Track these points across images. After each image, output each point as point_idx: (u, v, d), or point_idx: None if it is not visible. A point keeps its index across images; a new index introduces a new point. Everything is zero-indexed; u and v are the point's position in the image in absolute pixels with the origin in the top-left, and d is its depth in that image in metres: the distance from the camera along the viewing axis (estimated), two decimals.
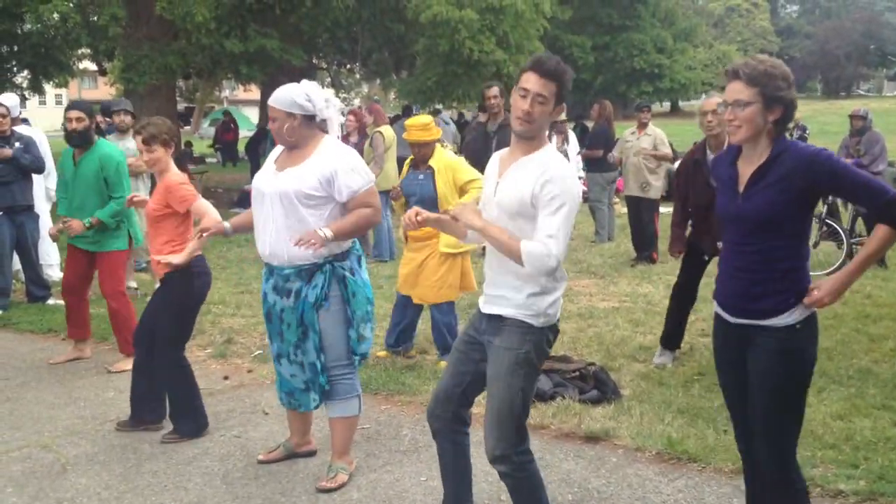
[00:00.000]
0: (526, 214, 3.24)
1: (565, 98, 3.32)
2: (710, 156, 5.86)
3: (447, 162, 6.08)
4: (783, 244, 3.05)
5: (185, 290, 4.93)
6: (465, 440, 3.70)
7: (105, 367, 6.41)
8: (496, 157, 3.54)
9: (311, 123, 4.22)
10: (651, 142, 10.40)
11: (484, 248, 3.82)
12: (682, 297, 6.32)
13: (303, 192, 4.10)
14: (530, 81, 3.23)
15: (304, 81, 4.30)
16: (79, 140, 6.27)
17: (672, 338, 6.36)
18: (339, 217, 4.18)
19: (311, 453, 4.75)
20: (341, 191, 4.12)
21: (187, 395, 5.07)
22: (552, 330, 3.41)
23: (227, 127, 31.88)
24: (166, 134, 4.97)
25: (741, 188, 3.11)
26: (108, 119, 9.54)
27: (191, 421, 5.07)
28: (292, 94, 4.15)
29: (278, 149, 4.39)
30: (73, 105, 6.37)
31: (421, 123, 6.12)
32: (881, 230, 2.99)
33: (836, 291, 3.06)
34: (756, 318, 3.12)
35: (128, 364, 6.08)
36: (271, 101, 4.20)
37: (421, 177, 6.12)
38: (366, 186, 4.17)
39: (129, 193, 6.09)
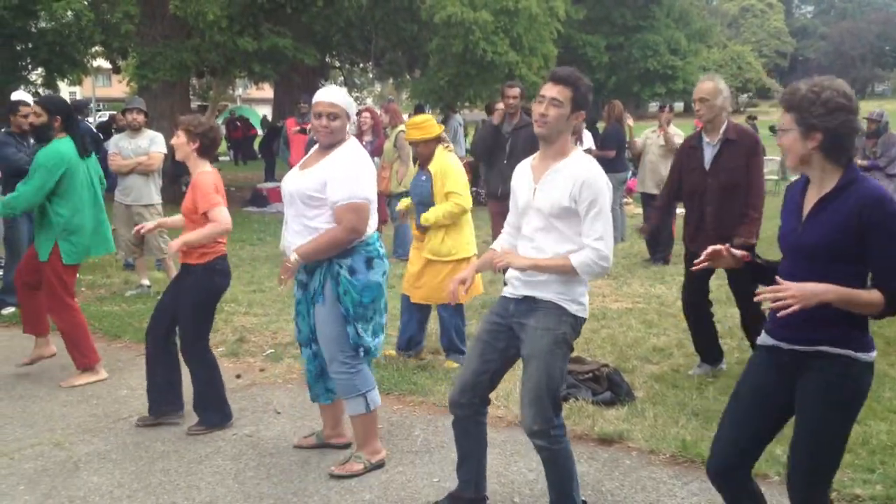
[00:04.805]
0: (562, 217, 3.52)
1: (583, 105, 3.56)
2: (706, 140, 5.79)
3: (442, 167, 6.04)
4: (842, 276, 2.84)
5: (206, 286, 5.04)
6: (485, 420, 3.90)
7: (59, 383, 6.07)
8: (526, 165, 3.77)
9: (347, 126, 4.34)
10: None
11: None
12: (694, 311, 6.05)
13: (305, 194, 4.22)
14: (546, 88, 3.56)
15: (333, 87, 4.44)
16: (33, 135, 6.07)
17: (706, 353, 6.12)
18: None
19: (345, 445, 4.81)
20: (328, 197, 4.20)
21: (213, 386, 5.15)
22: (580, 322, 3.63)
23: (233, 125, 31.97)
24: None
25: (804, 216, 2.97)
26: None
27: (217, 412, 5.15)
28: (347, 98, 4.29)
29: (315, 148, 4.49)
30: (38, 99, 6.14)
31: (414, 122, 6.19)
32: (876, 295, 2.83)
33: (806, 296, 2.77)
34: (812, 344, 2.94)
35: (80, 379, 6.05)
36: (336, 100, 4.23)
37: (423, 178, 6.13)
38: (345, 201, 4.15)
39: (20, 204, 5.78)
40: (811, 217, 2.94)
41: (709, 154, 5.76)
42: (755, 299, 2.93)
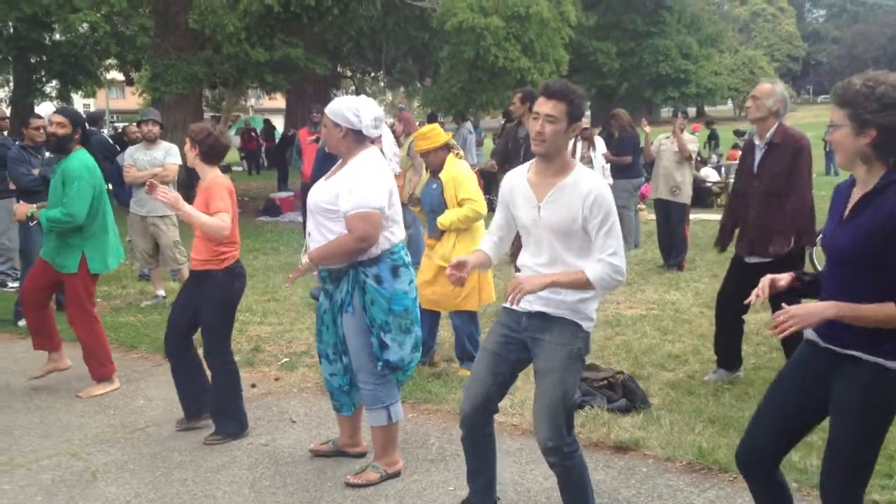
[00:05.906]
0: (576, 234, 3.47)
1: (578, 117, 3.49)
2: (757, 142, 5.75)
3: (453, 174, 6.03)
4: (872, 284, 2.79)
5: (229, 289, 5.07)
6: (492, 429, 3.87)
7: (77, 394, 6.09)
8: (522, 178, 3.64)
9: (360, 137, 4.31)
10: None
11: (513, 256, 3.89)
12: (723, 310, 5.94)
13: (321, 206, 4.28)
14: (540, 105, 3.47)
15: (363, 97, 4.44)
16: (53, 146, 6.11)
17: (723, 357, 6.00)
18: None
19: (360, 455, 4.82)
20: (340, 208, 4.22)
21: (232, 394, 5.17)
22: (589, 336, 3.61)
23: (248, 136, 32.12)
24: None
25: (845, 217, 2.90)
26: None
27: (235, 420, 5.18)
28: (343, 107, 4.30)
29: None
30: (59, 110, 6.21)
31: (421, 133, 6.21)
32: (887, 308, 2.75)
33: (805, 317, 2.80)
34: (844, 347, 2.90)
35: (98, 389, 6.06)
36: (325, 109, 4.41)
37: (434, 186, 6.14)
38: (354, 211, 4.14)
39: (80, 216, 5.76)
40: (849, 219, 2.88)
41: (758, 157, 5.73)
42: (776, 330, 2.85)
